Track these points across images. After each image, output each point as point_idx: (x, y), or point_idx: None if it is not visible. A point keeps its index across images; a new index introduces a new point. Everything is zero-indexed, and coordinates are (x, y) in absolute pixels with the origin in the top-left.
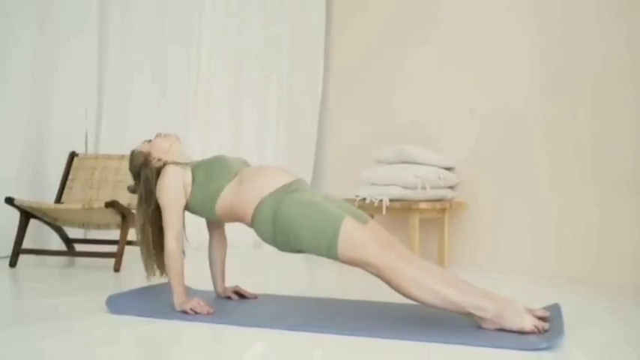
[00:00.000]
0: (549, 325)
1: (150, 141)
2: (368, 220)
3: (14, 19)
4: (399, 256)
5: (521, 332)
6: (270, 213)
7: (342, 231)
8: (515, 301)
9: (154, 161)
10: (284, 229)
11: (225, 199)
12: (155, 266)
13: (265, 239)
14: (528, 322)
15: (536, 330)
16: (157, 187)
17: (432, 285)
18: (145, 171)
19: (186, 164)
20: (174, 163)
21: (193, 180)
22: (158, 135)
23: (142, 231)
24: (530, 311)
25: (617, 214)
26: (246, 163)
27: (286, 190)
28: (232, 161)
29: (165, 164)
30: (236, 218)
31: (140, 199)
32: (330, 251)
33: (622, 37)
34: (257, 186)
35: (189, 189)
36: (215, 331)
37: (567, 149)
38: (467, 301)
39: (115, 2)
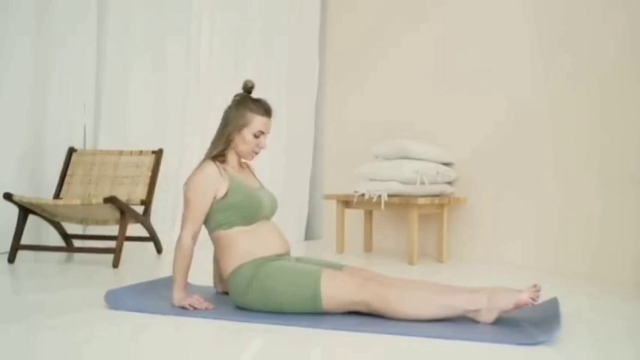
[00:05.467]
0: (546, 316)
1: (257, 137)
2: (344, 266)
3: (13, 14)
4: (380, 284)
5: (517, 306)
6: (246, 279)
7: (323, 281)
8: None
9: (232, 137)
10: (262, 293)
11: (226, 235)
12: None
13: (235, 301)
14: (522, 295)
15: (531, 300)
16: (189, 179)
17: (422, 298)
18: (232, 132)
19: (228, 173)
20: (222, 162)
21: (225, 195)
22: (259, 146)
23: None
24: (520, 291)
25: (619, 209)
26: (273, 210)
27: (267, 259)
28: (264, 206)
29: (224, 150)
30: (220, 258)
31: (225, 122)
32: (314, 302)
33: (627, 31)
34: (248, 248)
35: (217, 198)
36: (213, 326)
37: (568, 143)
38: (459, 299)
39: None
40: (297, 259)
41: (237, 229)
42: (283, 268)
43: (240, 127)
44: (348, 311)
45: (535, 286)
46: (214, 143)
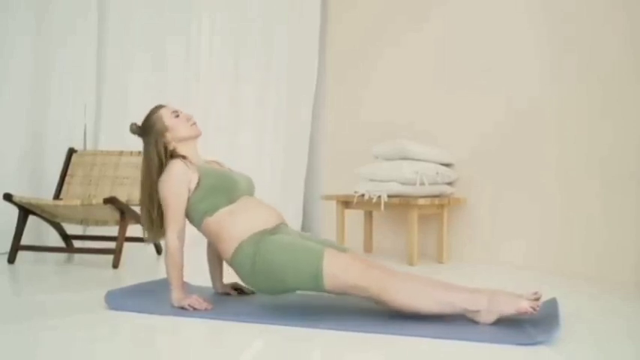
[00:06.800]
0: (545, 316)
1: (177, 116)
2: (347, 249)
3: (13, 14)
4: (382, 272)
5: (518, 313)
6: (249, 257)
7: (325, 260)
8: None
9: (166, 140)
10: (266, 270)
11: (214, 220)
12: (152, 233)
13: (244, 281)
14: (523, 303)
15: (531, 310)
16: (160, 182)
17: (422, 291)
18: (158, 142)
19: (194, 165)
20: (182, 157)
21: (197, 186)
22: (188, 118)
23: (148, 198)
24: (521, 296)
25: (620, 209)
26: (251, 189)
27: (266, 233)
28: (240, 185)
29: (174, 153)
30: (216, 246)
31: (149, 166)
32: (316, 282)
33: (627, 31)
34: (241, 225)
35: (191, 191)
36: (213, 326)
37: (568, 143)
38: (459, 297)
39: None
40: (300, 236)
41: (222, 211)
42: (283, 243)
43: (161, 129)
44: (347, 294)
45: (536, 293)
46: (150, 162)
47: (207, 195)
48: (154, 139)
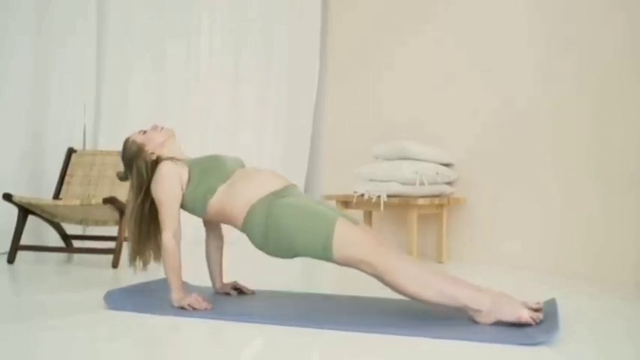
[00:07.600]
0: (544, 317)
1: (145, 132)
2: (359, 222)
3: (13, 14)
4: (390, 253)
5: (517, 323)
6: (261, 219)
7: (336, 231)
8: (509, 294)
9: (147, 154)
10: (277, 234)
11: (217, 200)
12: (139, 259)
13: (256, 245)
14: (524, 313)
15: (532, 321)
16: (153, 184)
17: (427, 278)
18: (137, 162)
19: (182, 161)
20: (170, 158)
21: (189, 177)
22: (154, 127)
23: (131, 223)
24: (524, 304)
25: (619, 209)
26: (241, 164)
27: (277, 195)
28: (228, 161)
29: (159, 159)
30: (226, 221)
31: (132, 191)
32: (325, 252)
33: (627, 31)
34: (248, 191)
35: (185, 186)
36: (213, 326)
37: (568, 143)
38: (463, 292)
39: None
40: (316, 202)
41: (222, 188)
42: (295, 207)
43: (139, 147)
44: (353, 267)
45: (538, 303)
46: (133, 185)
47: (201, 179)
48: (135, 161)
